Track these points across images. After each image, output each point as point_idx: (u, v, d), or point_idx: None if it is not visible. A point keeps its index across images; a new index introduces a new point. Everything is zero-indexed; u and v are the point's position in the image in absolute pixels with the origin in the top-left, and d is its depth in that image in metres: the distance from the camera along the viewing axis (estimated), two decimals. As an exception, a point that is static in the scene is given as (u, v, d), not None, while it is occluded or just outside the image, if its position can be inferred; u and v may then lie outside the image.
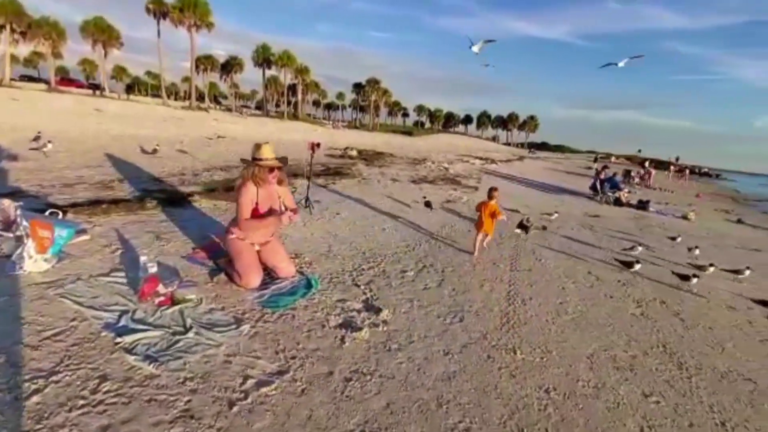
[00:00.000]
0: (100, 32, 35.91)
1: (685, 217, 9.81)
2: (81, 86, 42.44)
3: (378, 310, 2.71)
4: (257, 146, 2.85)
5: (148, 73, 77.50)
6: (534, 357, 2.47)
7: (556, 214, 7.26)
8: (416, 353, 2.31)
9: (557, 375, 2.32)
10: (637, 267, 4.44)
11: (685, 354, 2.84)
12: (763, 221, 12.71)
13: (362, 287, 3.08)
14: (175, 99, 62.15)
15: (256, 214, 2.80)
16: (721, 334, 3.27)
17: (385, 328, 2.52)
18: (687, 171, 28.79)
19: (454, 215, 6.22)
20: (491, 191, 4.41)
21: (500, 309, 3.09)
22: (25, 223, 2.41)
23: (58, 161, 5.73)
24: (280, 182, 2.96)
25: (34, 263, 2.40)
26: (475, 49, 4.41)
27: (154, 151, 7.87)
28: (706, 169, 58.47)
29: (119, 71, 68.21)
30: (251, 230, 2.82)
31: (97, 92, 36.36)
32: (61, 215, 2.83)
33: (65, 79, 45.74)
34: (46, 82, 35.62)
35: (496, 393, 2.07)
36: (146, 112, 17.51)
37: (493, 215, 4.30)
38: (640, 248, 5.33)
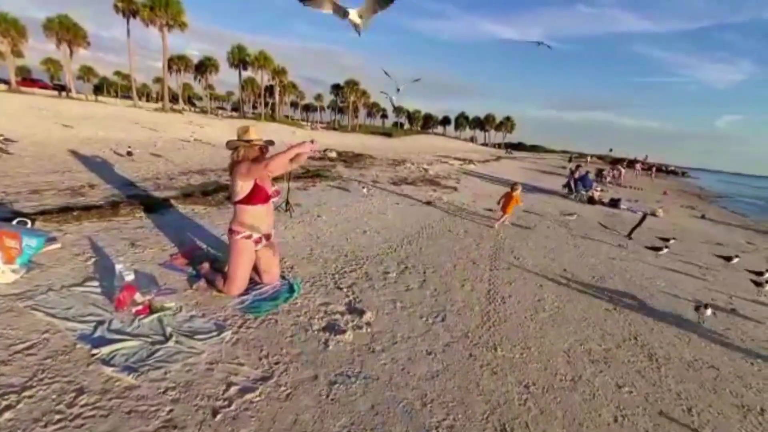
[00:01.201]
0: (65, 31, 34.56)
1: (653, 214, 10.21)
2: (45, 87, 40.70)
3: (361, 313, 2.72)
4: (245, 129, 2.77)
5: (118, 73, 75.04)
6: (514, 354, 2.54)
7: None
8: (400, 354, 2.34)
9: (536, 370, 2.39)
10: (665, 251, 5.52)
11: (655, 345, 2.97)
12: (723, 217, 13.38)
13: (345, 290, 3.08)
14: (147, 100, 60.39)
15: (262, 192, 2.72)
16: (688, 325, 3.44)
17: (368, 330, 2.54)
18: (654, 169, 29.94)
19: (433, 216, 6.29)
20: (514, 186, 6.31)
21: (481, 308, 3.16)
22: (-10, 232, 2.31)
23: (23, 166, 5.50)
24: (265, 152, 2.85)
25: (1, 274, 2.30)
26: (398, 91, 4.14)
27: (129, 153, 7.66)
28: (672, 167, 60.97)
29: (86, 71, 65.80)
30: (273, 167, 2.60)
31: (63, 93, 34.96)
32: (29, 224, 2.72)
33: (27, 79, 43.73)
34: (6, 82, 33.94)
35: (479, 390, 2.12)
36: (116, 114, 16.94)
37: (514, 201, 6.18)
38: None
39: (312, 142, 2.74)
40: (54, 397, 1.60)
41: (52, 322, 2.06)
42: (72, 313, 2.17)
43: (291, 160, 2.75)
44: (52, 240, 2.86)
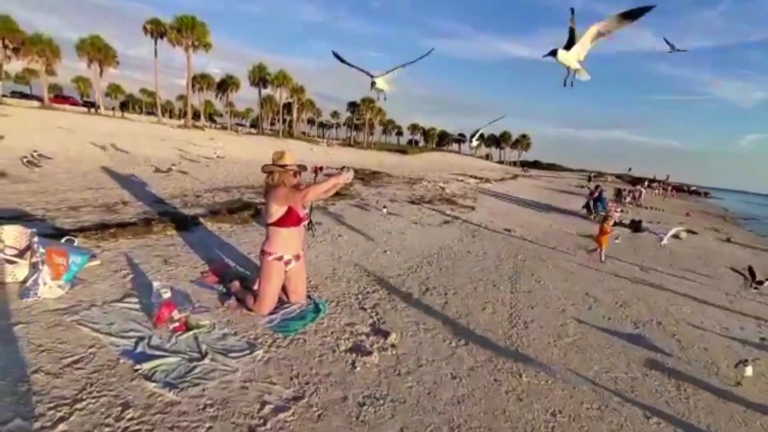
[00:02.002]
0: (97, 51, 36.24)
1: (676, 237, 10.00)
2: (75, 104, 42.59)
3: (386, 334, 2.77)
4: (280, 154, 2.88)
5: (143, 90, 77.83)
6: (539, 380, 2.54)
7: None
8: (425, 377, 2.37)
9: (562, 397, 2.39)
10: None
11: (682, 375, 2.92)
12: (750, 240, 13.01)
13: (369, 310, 3.14)
14: (170, 117, 62.43)
15: (294, 215, 2.82)
16: (716, 356, 3.37)
17: (393, 352, 2.58)
18: (670, 188, 29.43)
19: (452, 236, 6.33)
20: (607, 216, 6.32)
21: (503, 332, 3.17)
22: (41, 249, 2.46)
23: (60, 183, 5.77)
24: (298, 186, 2.96)
25: (48, 290, 2.44)
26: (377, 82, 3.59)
27: (169, 170, 8.05)
28: (694, 188, 59.61)
29: (114, 89, 68.54)
30: (311, 194, 2.74)
31: (92, 110, 36.48)
32: (75, 242, 2.88)
33: (59, 96, 45.85)
34: (39, 99, 35.67)
35: (505, 416, 2.14)
36: (143, 131, 17.58)
37: (607, 232, 6.04)
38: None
39: (348, 170, 2.85)
40: (103, 410, 1.69)
41: (97, 337, 2.17)
42: (114, 328, 2.28)
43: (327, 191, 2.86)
44: (92, 257, 3.00)
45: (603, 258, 6.08)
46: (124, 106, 69.64)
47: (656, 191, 26.65)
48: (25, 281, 2.48)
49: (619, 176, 49.74)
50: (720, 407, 2.61)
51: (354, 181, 11.57)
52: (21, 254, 2.58)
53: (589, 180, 22.48)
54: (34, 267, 2.48)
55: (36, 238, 2.51)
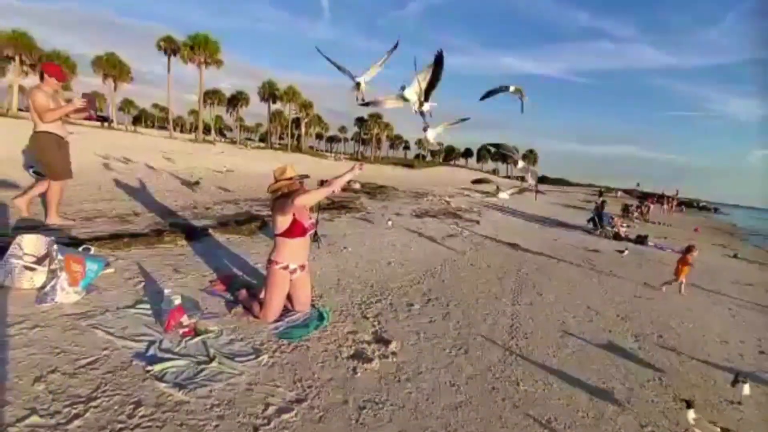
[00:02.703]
0: (112, 67, 37.43)
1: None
2: (90, 118, 43.57)
3: (387, 342, 2.85)
4: (282, 169, 3.02)
5: (155, 105, 79.58)
6: (536, 389, 2.60)
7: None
8: (424, 384, 2.45)
9: (558, 406, 2.44)
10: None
11: (680, 386, 2.95)
12: (759, 255, 12.86)
13: (371, 320, 3.23)
14: (181, 131, 63.62)
15: (299, 226, 2.94)
16: (715, 369, 3.38)
17: (394, 360, 2.66)
18: (673, 202, 29.17)
19: (456, 249, 6.40)
20: (690, 248, 5.82)
21: (503, 342, 3.23)
22: (60, 257, 2.60)
23: (75, 194, 5.96)
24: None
25: (65, 295, 2.56)
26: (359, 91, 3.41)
27: (197, 183, 8.53)
28: (704, 203, 59.00)
29: (127, 104, 70.20)
30: (306, 201, 2.89)
31: (106, 124, 37.36)
32: (92, 250, 3.02)
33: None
34: (56, 113, 36.66)
35: (501, 422, 2.20)
36: (155, 145, 18.01)
37: (688, 265, 5.64)
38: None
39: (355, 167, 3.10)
40: (116, 408, 1.79)
41: (111, 340, 2.28)
42: (127, 332, 2.39)
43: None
44: (107, 264, 3.13)
45: (683, 290, 5.64)
46: (136, 121, 71.20)
47: (664, 207, 26.45)
48: (42, 287, 2.61)
49: (627, 191, 49.45)
50: (714, 417, 2.63)
51: (360, 195, 11.74)
52: (39, 262, 2.72)
53: (600, 195, 22.40)
54: (52, 273, 2.61)
55: (55, 246, 2.65)
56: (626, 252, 8.29)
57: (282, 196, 2.94)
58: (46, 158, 4.18)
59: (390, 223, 7.14)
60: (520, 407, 2.37)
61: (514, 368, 2.83)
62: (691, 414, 2.25)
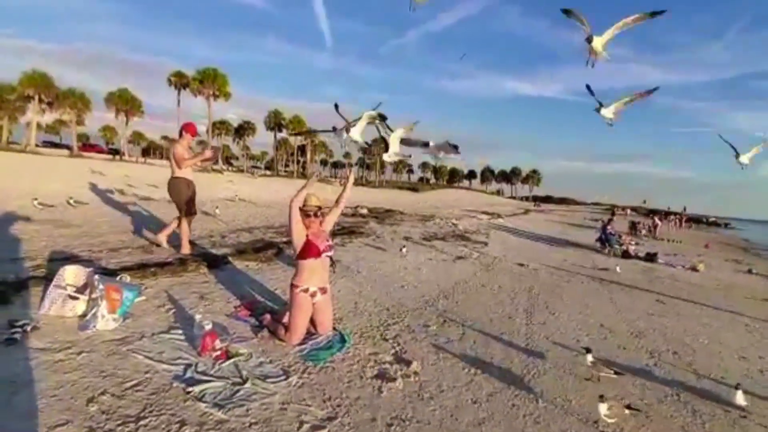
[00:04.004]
0: (124, 102, 38.73)
1: (694, 269, 9.95)
2: (101, 151, 44.95)
3: (408, 362, 2.95)
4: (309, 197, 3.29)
5: (165, 137, 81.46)
6: (555, 405, 2.67)
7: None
8: (447, 401, 2.54)
9: (578, 421, 2.52)
10: None
11: (698, 402, 3.00)
12: (773, 271, 12.73)
13: (390, 341, 3.34)
14: (190, 161, 64.72)
15: (313, 247, 3.13)
16: (733, 381, 3.42)
17: (416, 379, 2.76)
18: (682, 220, 29.06)
19: (467, 271, 6.51)
20: None
21: (520, 361, 3.31)
22: (101, 286, 2.77)
23: (98, 226, 6.21)
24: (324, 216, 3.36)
25: (105, 322, 2.72)
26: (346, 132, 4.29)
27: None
28: (713, 219, 58.45)
29: (137, 136, 72.01)
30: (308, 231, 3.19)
31: (117, 156, 38.39)
32: (128, 279, 3.19)
33: (87, 144, 48.54)
34: (69, 147, 37.85)
35: (524, 437, 2.28)
36: (166, 176, 18.49)
37: None
38: None
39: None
40: (163, 426, 1.92)
41: (151, 364, 2.42)
42: (165, 356, 2.53)
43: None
44: (140, 293, 3.30)
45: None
46: (145, 152, 72.80)
47: (672, 223, 26.38)
48: (84, 315, 2.77)
49: (634, 209, 49.34)
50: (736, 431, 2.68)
51: (368, 219, 11.93)
52: (80, 291, 2.90)
53: (613, 214, 22.46)
54: (93, 302, 2.78)
55: (96, 276, 2.83)
56: (618, 267, 8.31)
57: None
58: (181, 198, 5.06)
59: (405, 250, 7.24)
60: (540, 423, 2.45)
61: (533, 386, 2.90)
62: (603, 408, 2.42)
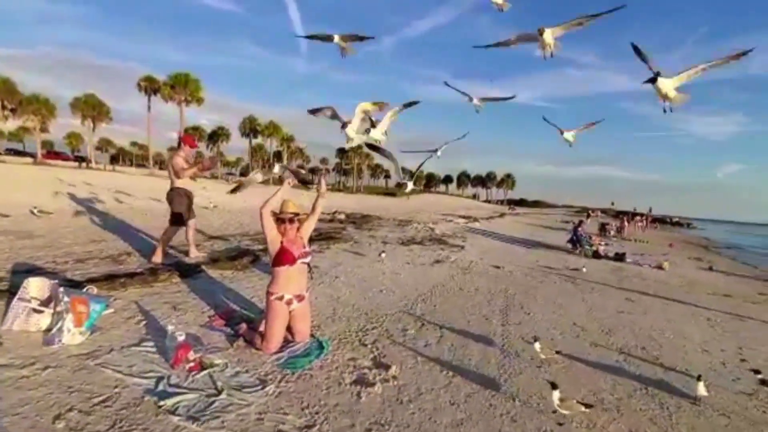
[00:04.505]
0: (91, 108, 37.38)
1: (660, 267, 10.38)
2: (67, 159, 43.10)
3: (387, 367, 2.95)
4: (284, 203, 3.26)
5: (134, 143, 79.08)
6: (531, 403, 2.73)
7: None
8: (426, 404, 2.56)
9: (554, 418, 2.58)
10: None
11: (665, 394, 3.13)
12: (732, 267, 13.45)
13: (369, 346, 3.33)
14: (161, 168, 63.10)
15: (287, 254, 3.08)
16: (695, 373, 3.58)
17: (395, 383, 2.77)
18: (647, 221, 30.35)
19: (444, 274, 6.58)
20: None
21: (497, 361, 3.37)
22: (66, 298, 2.66)
23: (63, 237, 5.95)
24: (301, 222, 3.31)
25: (71, 336, 2.61)
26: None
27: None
28: (677, 219, 61.21)
29: (105, 143, 69.55)
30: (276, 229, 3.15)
31: (83, 164, 36.91)
32: (95, 290, 3.07)
33: (51, 152, 46.46)
34: (32, 155, 36.17)
35: (501, 436, 2.32)
36: (135, 183, 17.89)
37: None
38: None
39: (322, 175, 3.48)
40: (134, 442, 1.85)
41: (120, 378, 2.34)
42: (135, 370, 2.45)
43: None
44: (107, 305, 3.18)
45: None
46: (114, 160, 70.37)
47: (639, 224, 27.48)
48: (49, 329, 2.65)
49: (603, 211, 51.08)
50: (701, 423, 2.80)
51: (346, 225, 11.89)
52: (45, 304, 2.77)
53: (588, 217, 23.18)
54: (58, 315, 2.66)
55: (61, 288, 2.71)
56: (584, 268, 8.54)
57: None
58: (181, 208, 5.27)
59: (383, 255, 7.25)
60: (517, 421, 2.50)
61: (510, 385, 2.96)
62: (556, 395, 2.48)
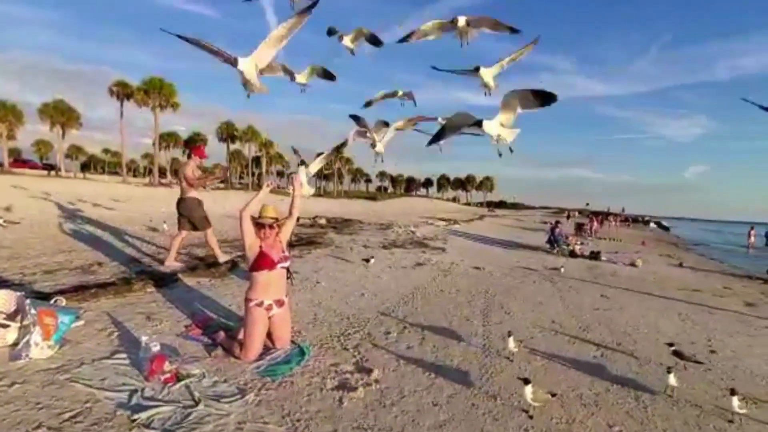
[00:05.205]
0: (60, 114, 36.07)
1: (633, 264, 10.71)
2: (35, 167, 41.43)
3: (369, 371, 2.94)
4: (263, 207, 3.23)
5: (106, 150, 76.75)
6: (512, 401, 2.76)
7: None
8: (409, 407, 2.55)
9: (534, 414, 2.61)
10: None
11: (640, 387, 3.21)
12: (701, 263, 13.99)
13: (351, 350, 3.31)
14: (134, 175, 61.47)
15: (266, 259, 3.04)
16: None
17: (377, 387, 2.75)
18: (617, 220, 31.38)
19: (426, 277, 6.61)
20: None
21: (478, 361, 3.40)
22: (33, 311, 2.54)
23: (31, 247, 5.71)
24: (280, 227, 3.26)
25: (39, 350, 2.50)
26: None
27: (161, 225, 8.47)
28: (648, 218, 63.39)
29: (75, 150, 67.19)
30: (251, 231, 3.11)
31: (53, 172, 35.53)
32: (63, 302, 2.95)
33: (18, 160, 44.56)
34: (-1, 163, 34.61)
35: (483, 435, 2.33)
36: (107, 191, 17.35)
37: None
38: None
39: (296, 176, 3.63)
40: (106, 458, 1.78)
41: (91, 392, 2.25)
42: (107, 383, 2.36)
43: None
44: (77, 317, 3.06)
45: None
46: (85, 167, 68.09)
47: (612, 223, 28.33)
48: (15, 344, 2.53)
49: (580, 211, 52.40)
50: (674, 414, 2.89)
51: (327, 230, 11.82)
52: (11, 318, 2.64)
53: (568, 217, 23.70)
54: (25, 329, 2.54)
55: (27, 301, 2.60)
56: (563, 268, 8.69)
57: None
58: (196, 216, 5.45)
59: (359, 255, 7.24)
60: (499, 420, 2.52)
61: (491, 384, 2.99)
62: (528, 389, 2.54)
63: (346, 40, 4.41)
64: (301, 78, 4.53)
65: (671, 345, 3.71)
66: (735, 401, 2.74)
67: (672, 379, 3.07)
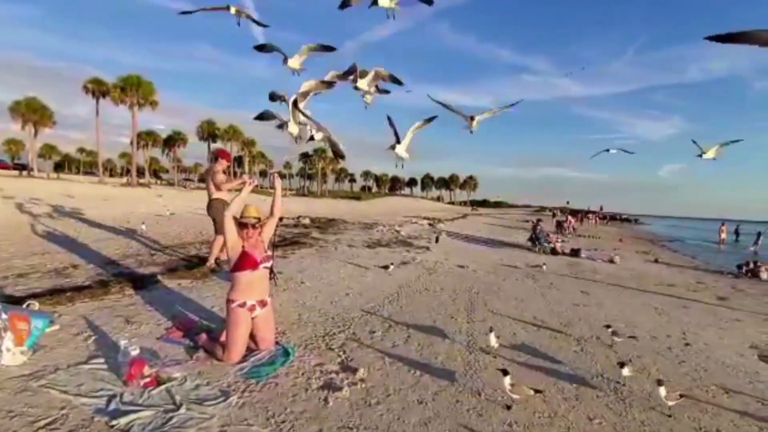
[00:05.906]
0: (32, 112, 34.80)
1: (611, 261, 10.99)
2: (5, 167, 39.91)
3: (354, 370, 2.93)
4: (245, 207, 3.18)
5: (81, 149, 74.41)
6: (496, 396, 2.80)
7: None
8: (394, 405, 2.56)
9: (517, 410, 2.65)
10: None
11: (619, 381, 3.30)
12: (675, 259, 14.45)
13: (336, 350, 3.30)
14: (111, 175, 59.85)
15: (249, 259, 3.00)
16: (647, 362, 3.81)
17: (363, 386, 2.75)
18: (596, 218, 32.26)
19: (410, 275, 6.63)
20: None
21: (462, 358, 3.43)
22: (4, 315, 2.45)
23: (2, 250, 5.50)
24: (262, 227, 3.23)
25: (12, 357, 2.41)
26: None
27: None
28: (625, 216, 65.10)
29: (48, 149, 64.97)
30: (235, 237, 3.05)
31: (24, 172, 34.27)
32: (37, 306, 2.85)
33: (-13, 160, 42.81)
34: (-34, 164, 33.21)
35: (467, 431, 2.36)
36: (83, 191, 16.85)
37: None
38: None
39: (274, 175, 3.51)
40: (84, 466, 1.73)
41: (67, 398, 2.18)
42: (84, 389, 2.29)
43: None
44: (51, 321, 2.96)
45: None
46: (59, 167, 65.87)
47: (591, 221, 29.00)
48: (-15, 350, 2.43)
49: (561, 210, 53.48)
50: (652, 405, 2.98)
51: (311, 230, 11.74)
52: (-21, 324, 2.53)
53: (553, 216, 24.13)
54: (-6, 335, 2.44)
55: (-2, 305, 2.50)
56: (544, 266, 8.83)
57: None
58: (218, 218, 5.35)
59: (343, 255, 7.22)
60: (483, 415, 2.55)
61: (475, 381, 3.02)
62: (507, 380, 2.61)
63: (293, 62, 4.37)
64: (293, 63, 4.34)
65: (609, 327, 4.17)
66: (662, 391, 2.80)
67: (626, 371, 3.16)
